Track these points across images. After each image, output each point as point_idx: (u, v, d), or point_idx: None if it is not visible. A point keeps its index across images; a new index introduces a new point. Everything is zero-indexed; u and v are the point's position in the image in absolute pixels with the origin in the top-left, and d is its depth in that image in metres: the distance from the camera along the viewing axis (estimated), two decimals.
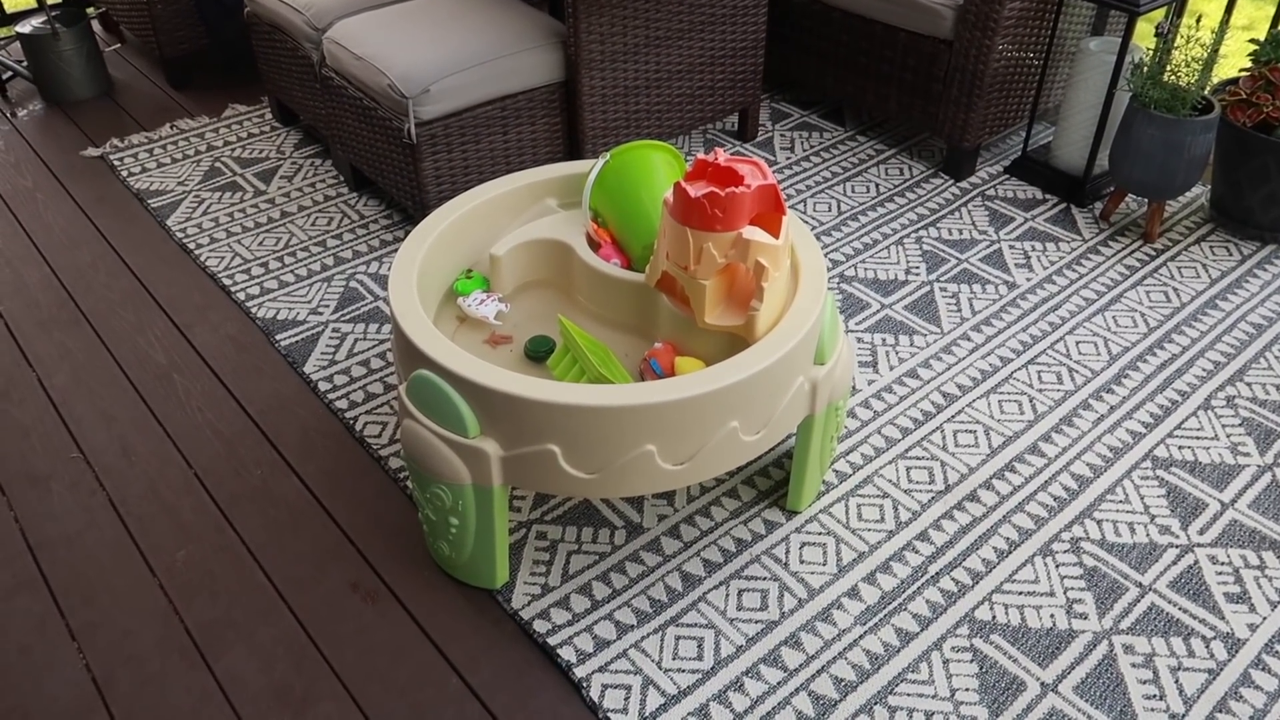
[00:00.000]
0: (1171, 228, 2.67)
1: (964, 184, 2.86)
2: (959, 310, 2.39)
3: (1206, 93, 2.49)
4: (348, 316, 2.41)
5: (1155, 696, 1.59)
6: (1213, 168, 2.64)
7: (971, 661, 1.65)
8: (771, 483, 1.97)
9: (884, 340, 2.31)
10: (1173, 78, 2.42)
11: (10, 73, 3.47)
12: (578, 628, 1.71)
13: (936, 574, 1.79)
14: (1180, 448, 2.02)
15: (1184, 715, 1.57)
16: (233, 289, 2.51)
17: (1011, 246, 2.61)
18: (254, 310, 2.44)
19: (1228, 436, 2.05)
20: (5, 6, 3.66)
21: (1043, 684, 1.61)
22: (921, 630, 1.70)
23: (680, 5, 2.62)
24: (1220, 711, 1.57)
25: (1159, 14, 2.68)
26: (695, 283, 1.61)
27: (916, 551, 1.83)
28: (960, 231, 2.67)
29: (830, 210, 2.76)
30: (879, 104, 2.94)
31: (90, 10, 3.90)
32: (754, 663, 1.65)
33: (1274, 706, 1.58)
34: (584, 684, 1.62)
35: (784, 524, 1.89)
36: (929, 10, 2.68)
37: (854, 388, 2.18)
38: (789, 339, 1.58)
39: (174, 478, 2.02)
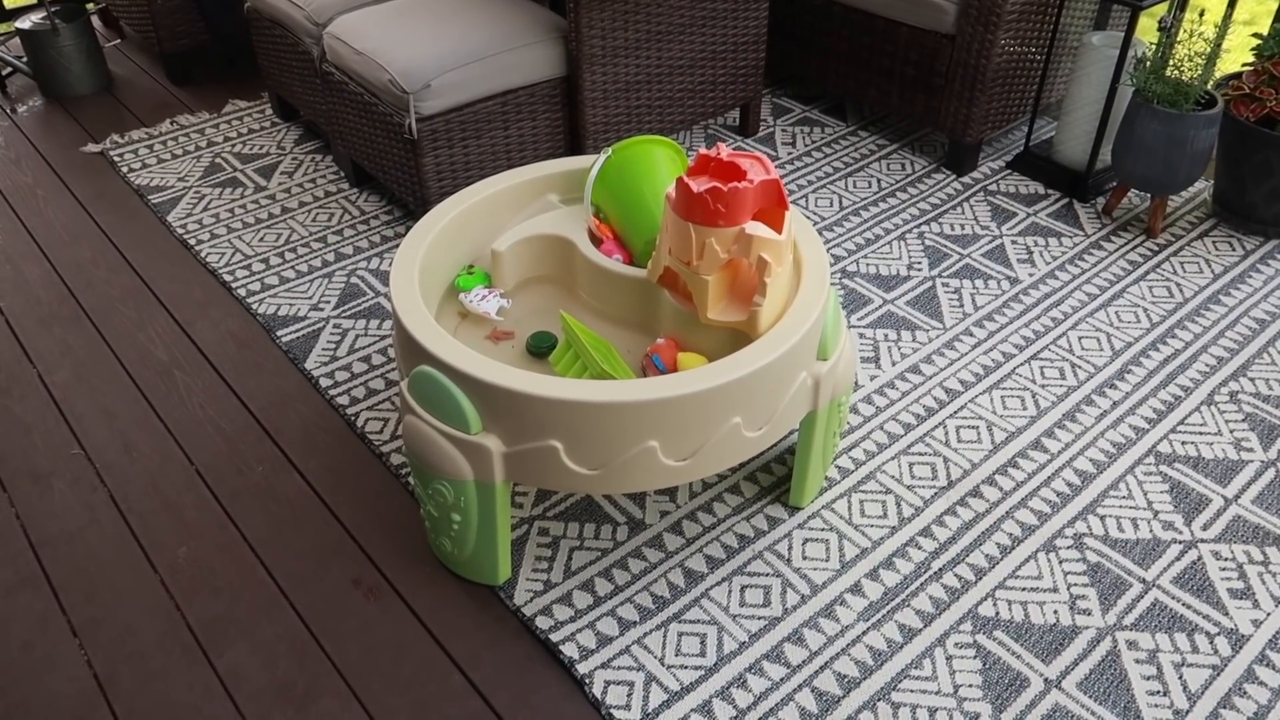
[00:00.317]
0: (1174, 223, 2.66)
1: (966, 179, 2.85)
2: (961, 306, 2.39)
3: (1209, 87, 2.48)
4: (349, 312, 2.41)
5: (1159, 693, 1.59)
6: (1215, 163, 2.63)
7: (975, 657, 1.64)
8: (774, 479, 1.97)
9: (886, 336, 2.31)
10: (1176, 72, 2.41)
11: (10, 68, 3.47)
12: (580, 624, 1.71)
13: (939, 570, 1.79)
14: (1184, 443, 2.02)
15: (1188, 712, 1.57)
16: (233, 285, 2.50)
17: (1014, 242, 2.60)
18: (255, 306, 2.43)
19: (1231, 432, 2.04)
20: (5, 2, 3.65)
21: (1046, 680, 1.61)
22: (925, 626, 1.69)
23: (682, 0, 2.61)
24: (1224, 708, 1.57)
25: (1162, 8, 2.67)
26: (698, 278, 1.61)
27: (919, 547, 1.83)
28: (962, 227, 2.66)
29: (832, 205, 2.75)
30: (881, 99, 2.93)
31: (90, 6, 3.89)
32: (757, 659, 1.65)
33: (1278, 703, 1.58)
34: (586, 681, 1.62)
35: (786, 520, 1.89)
36: (931, 5, 2.67)
37: (856, 383, 2.18)
38: (792, 335, 1.58)
39: (175, 474, 2.02)
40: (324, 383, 2.21)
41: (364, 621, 1.74)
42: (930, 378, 2.19)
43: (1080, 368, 2.20)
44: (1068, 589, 1.75)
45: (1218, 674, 1.61)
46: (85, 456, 2.06)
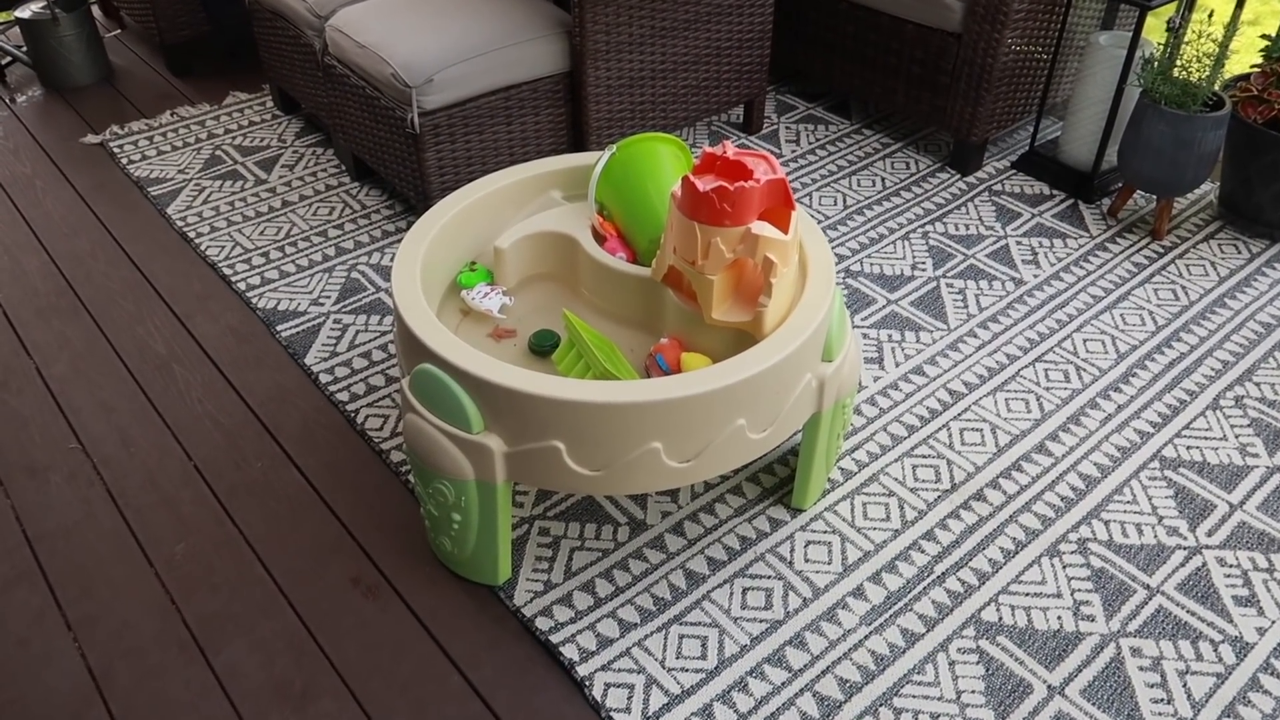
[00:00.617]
0: (1179, 225, 2.64)
1: (971, 179, 2.83)
2: (965, 306, 2.38)
3: (1217, 88, 2.47)
4: (349, 308, 2.39)
5: (1163, 700, 1.58)
6: (1222, 165, 2.62)
7: (978, 663, 1.63)
8: (776, 480, 1.95)
9: (890, 336, 2.29)
10: (1184, 73, 2.40)
11: (9, 58, 3.45)
12: (580, 625, 1.70)
13: (942, 574, 1.77)
14: (1188, 448, 2.01)
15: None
16: (233, 279, 2.48)
17: (1019, 242, 2.59)
18: (254, 301, 2.41)
19: (1236, 437, 2.03)
20: None
21: (1049, 687, 1.60)
22: (927, 631, 1.68)
23: None
24: (1228, 716, 1.56)
25: (1170, 9, 2.66)
26: (702, 278, 1.59)
27: (922, 551, 1.81)
28: (967, 227, 2.64)
29: (836, 204, 2.73)
30: (885, 97, 2.91)
31: None
32: (758, 662, 1.64)
33: None
34: (586, 683, 1.61)
35: (789, 522, 1.87)
36: (938, 3, 2.65)
37: (860, 384, 2.16)
38: (797, 336, 1.56)
39: (173, 469, 2.00)
40: (324, 378, 2.19)
41: (362, 620, 1.72)
42: (934, 379, 2.18)
43: (1085, 371, 2.19)
44: (1071, 594, 1.74)
45: (1222, 682, 1.60)
46: (83, 451, 2.05)
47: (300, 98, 2.95)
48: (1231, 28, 2.42)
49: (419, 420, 1.59)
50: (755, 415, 1.57)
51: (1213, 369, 2.19)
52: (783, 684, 1.61)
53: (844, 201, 2.75)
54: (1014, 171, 2.86)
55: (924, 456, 2.00)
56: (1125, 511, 1.88)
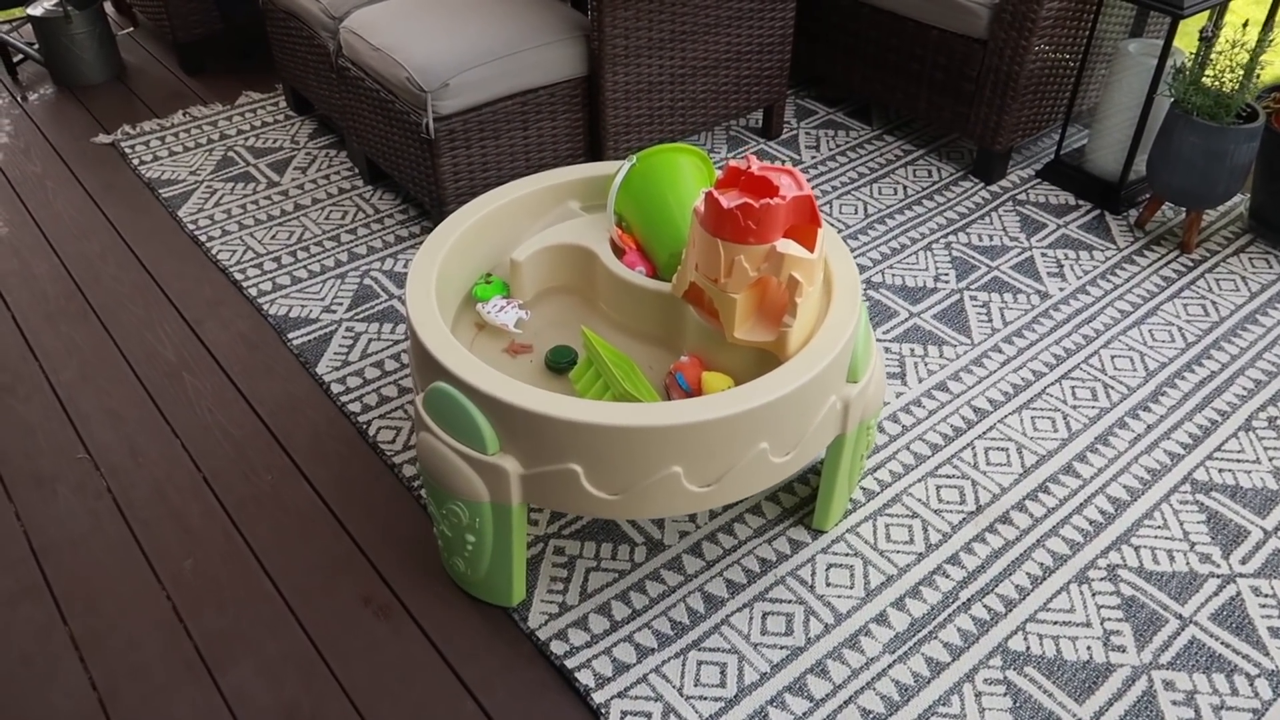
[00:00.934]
0: (1209, 238, 2.59)
1: (994, 187, 2.78)
2: (990, 320, 2.32)
3: (1249, 99, 2.41)
4: (361, 315, 2.35)
5: None
6: (1253, 176, 2.55)
7: (1005, 695, 1.59)
8: (796, 499, 1.91)
9: (912, 351, 2.24)
10: (1216, 83, 2.34)
11: (21, 55, 3.42)
12: (596, 649, 1.65)
13: (968, 601, 1.73)
14: (1220, 471, 1.95)
15: None
16: (244, 284, 2.45)
17: (1044, 254, 2.53)
18: (266, 307, 2.38)
19: (1270, 460, 1.98)
20: None
21: None
22: (953, 660, 1.64)
23: None
24: None
25: (1202, 18, 2.59)
26: (725, 296, 1.55)
27: (947, 576, 1.77)
28: (991, 237, 2.59)
29: (857, 213, 2.68)
30: (908, 103, 2.86)
31: None
32: (779, 691, 1.60)
33: None
34: (603, 710, 1.57)
35: (809, 544, 1.83)
36: (963, 8, 2.60)
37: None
38: (822, 357, 1.52)
39: (182, 481, 1.97)
40: (335, 388, 2.15)
41: (373, 641, 1.68)
42: (958, 396, 2.13)
43: (1113, 389, 2.14)
44: (1101, 624, 1.69)
45: (1258, 719, 1.55)
46: (90, 460, 2.01)
47: (313, 99, 2.91)
48: (1264, 37, 2.36)
49: (433, 440, 1.55)
50: (778, 439, 1.52)
51: (1244, 388, 2.14)
52: (804, 714, 1.56)
53: (864, 210, 2.69)
54: (1038, 181, 2.80)
55: (948, 477, 1.95)
56: (1156, 537, 1.83)
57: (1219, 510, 1.88)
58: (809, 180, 2.81)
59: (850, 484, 1.82)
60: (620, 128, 2.58)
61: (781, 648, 1.66)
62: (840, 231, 2.62)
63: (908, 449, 2.01)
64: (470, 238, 1.81)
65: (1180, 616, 1.70)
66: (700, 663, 1.64)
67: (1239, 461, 1.97)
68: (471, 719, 1.58)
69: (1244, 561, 1.78)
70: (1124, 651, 1.65)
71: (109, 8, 3.85)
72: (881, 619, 1.70)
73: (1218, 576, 1.76)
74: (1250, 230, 2.61)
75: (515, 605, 1.72)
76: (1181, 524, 1.85)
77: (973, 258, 2.52)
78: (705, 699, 1.58)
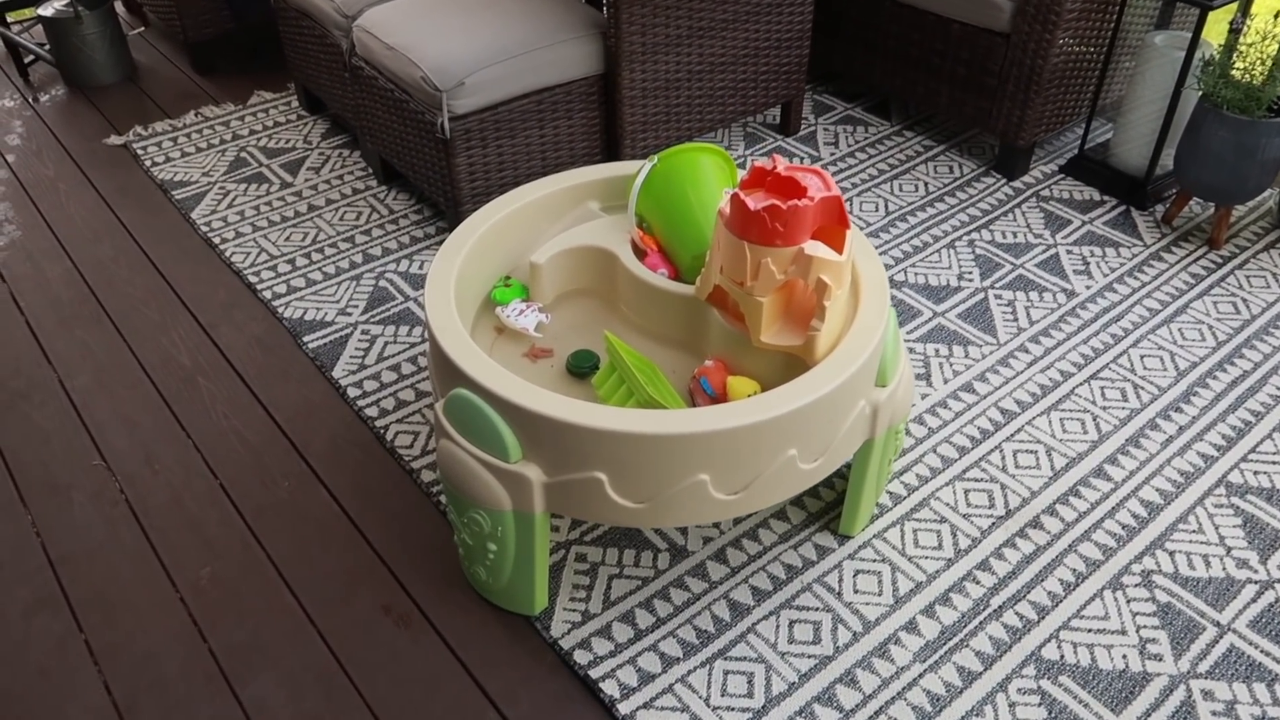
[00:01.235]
0: (1237, 233, 2.54)
1: (1017, 184, 2.73)
2: (1015, 320, 2.28)
3: None
4: (377, 318, 2.32)
5: None
6: None
7: (1040, 705, 1.55)
8: (822, 504, 1.87)
9: (937, 351, 2.20)
10: (1246, 76, 2.29)
11: (32, 56, 3.40)
12: (620, 659, 1.63)
13: (999, 608, 1.69)
14: (1256, 473, 1.91)
15: None
16: (259, 287, 2.42)
17: (1069, 251, 2.49)
18: (280, 310, 2.35)
19: None
20: None
21: None
22: (985, 670, 1.60)
23: None
24: None
25: (1231, 9, 2.54)
26: (751, 300, 1.51)
27: (977, 582, 1.73)
28: (1014, 235, 2.55)
29: (878, 210, 2.64)
30: (928, 98, 2.82)
31: None
32: (807, 701, 1.56)
33: None
34: None
35: (836, 549, 1.79)
36: (986, 2, 2.55)
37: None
38: (851, 362, 1.48)
39: (199, 488, 1.95)
40: (352, 392, 2.13)
41: (394, 652, 1.66)
42: (985, 397, 2.09)
43: (1143, 389, 2.10)
44: (1137, 631, 1.65)
45: None
46: (106, 467, 1.99)
47: (326, 98, 2.88)
48: None
49: (453, 448, 1.52)
50: (807, 445, 1.49)
51: (1278, 387, 2.09)
52: None
53: (885, 207, 2.65)
54: (1062, 176, 2.76)
55: (976, 480, 1.91)
56: (1191, 542, 1.79)
57: (1255, 514, 1.84)
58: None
59: (878, 489, 1.78)
60: (637, 125, 2.55)
61: (809, 656, 1.63)
62: (861, 229, 2.58)
63: (934, 452, 1.97)
64: (489, 240, 1.78)
65: (1218, 624, 1.66)
66: (727, 672, 1.61)
67: (1274, 463, 1.93)
68: None
69: None
70: (1161, 660, 1.61)
71: (120, 8, 3.83)
72: (911, 627, 1.67)
73: (1256, 582, 1.72)
74: None
75: (537, 614, 1.69)
76: (1217, 528, 1.81)
77: (997, 255, 2.48)
78: (733, 710, 1.55)
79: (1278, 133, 2.27)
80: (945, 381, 2.13)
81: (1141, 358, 2.17)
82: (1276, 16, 2.32)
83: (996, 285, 2.38)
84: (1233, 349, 2.19)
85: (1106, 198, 2.67)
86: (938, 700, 1.56)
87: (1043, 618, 1.67)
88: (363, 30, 2.49)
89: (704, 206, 1.73)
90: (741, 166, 2.79)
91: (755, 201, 1.46)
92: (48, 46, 3.35)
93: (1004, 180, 2.74)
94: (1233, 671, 1.59)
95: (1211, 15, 2.42)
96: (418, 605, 1.73)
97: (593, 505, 1.48)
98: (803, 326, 1.56)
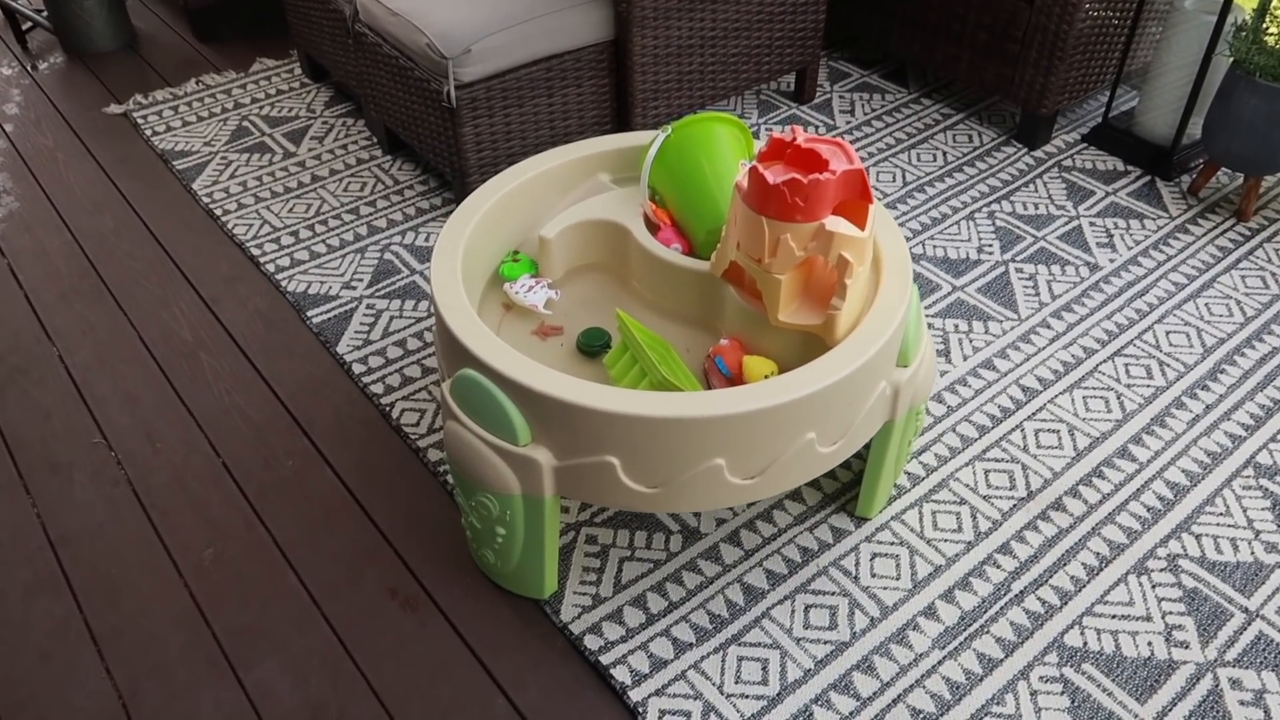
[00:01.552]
0: (1266, 204, 2.47)
1: (1039, 153, 2.66)
2: (1037, 294, 2.22)
3: None
4: (382, 291, 2.27)
5: None
6: None
7: (1062, 694, 1.51)
8: (838, 485, 1.83)
9: (956, 327, 2.15)
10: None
11: (30, 23, 3.33)
12: (632, 645, 1.59)
13: (1020, 593, 1.65)
14: None
15: None
16: (261, 260, 2.37)
17: (1092, 223, 2.42)
18: (284, 283, 2.30)
19: None
20: None
21: None
22: (1006, 656, 1.56)
23: None
24: None
25: None
26: (769, 277, 1.46)
27: (998, 566, 1.69)
28: (1036, 206, 2.48)
29: (895, 181, 2.57)
30: (947, 65, 2.73)
31: None
32: (824, 689, 1.53)
33: None
34: (640, 709, 1.50)
35: (853, 531, 1.75)
36: None
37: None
38: (873, 342, 1.43)
39: (201, 467, 1.91)
40: (357, 369, 2.08)
41: (401, 637, 1.62)
42: (1005, 374, 2.03)
43: (1169, 366, 2.04)
44: (1162, 617, 1.60)
45: None
46: (107, 446, 1.95)
47: (329, 65, 2.82)
48: None
49: (461, 430, 1.47)
50: (826, 428, 1.44)
51: None
52: (851, 713, 1.49)
53: (903, 178, 2.58)
54: (1085, 145, 2.68)
55: (996, 460, 1.87)
56: (1218, 525, 1.74)
57: None
58: None
59: (896, 470, 1.74)
60: (648, 93, 2.48)
61: (825, 642, 1.59)
62: (878, 201, 2.51)
63: (954, 431, 1.92)
64: (496, 214, 1.72)
65: (1246, 610, 1.61)
66: (741, 659, 1.57)
67: None
68: (504, 718, 1.52)
69: None
70: (1187, 648, 1.56)
71: None
72: (930, 612, 1.62)
73: None
74: None
75: (547, 597, 1.65)
76: (1245, 511, 1.76)
77: (1017, 227, 2.41)
78: (747, 697, 1.52)
79: None
80: (965, 358, 2.07)
81: (1167, 334, 2.11)
82: None
83: (1017, 258, 2.32)
84: (1261, 325, 2.13)
85: (1130, 168, 2.60)
86: (957, 688, 1.52)
87: (1065, 603, 1.63)
88: None
89: (719, 179, 1.67)
90: (756, 136, 2.72)
91: (774, 175, 1.40)
92: (45, 13, 3.29)
93: (1025, 150, 2.67)
94: (1261, 659, 1.55)
95: None
96: (424, 588, 1.69)
97: (604, 490, 1.43)
98: (822, 305, 1.50)
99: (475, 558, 1.70)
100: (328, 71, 3.01)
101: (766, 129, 2.77)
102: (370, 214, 2.50)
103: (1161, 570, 1.67)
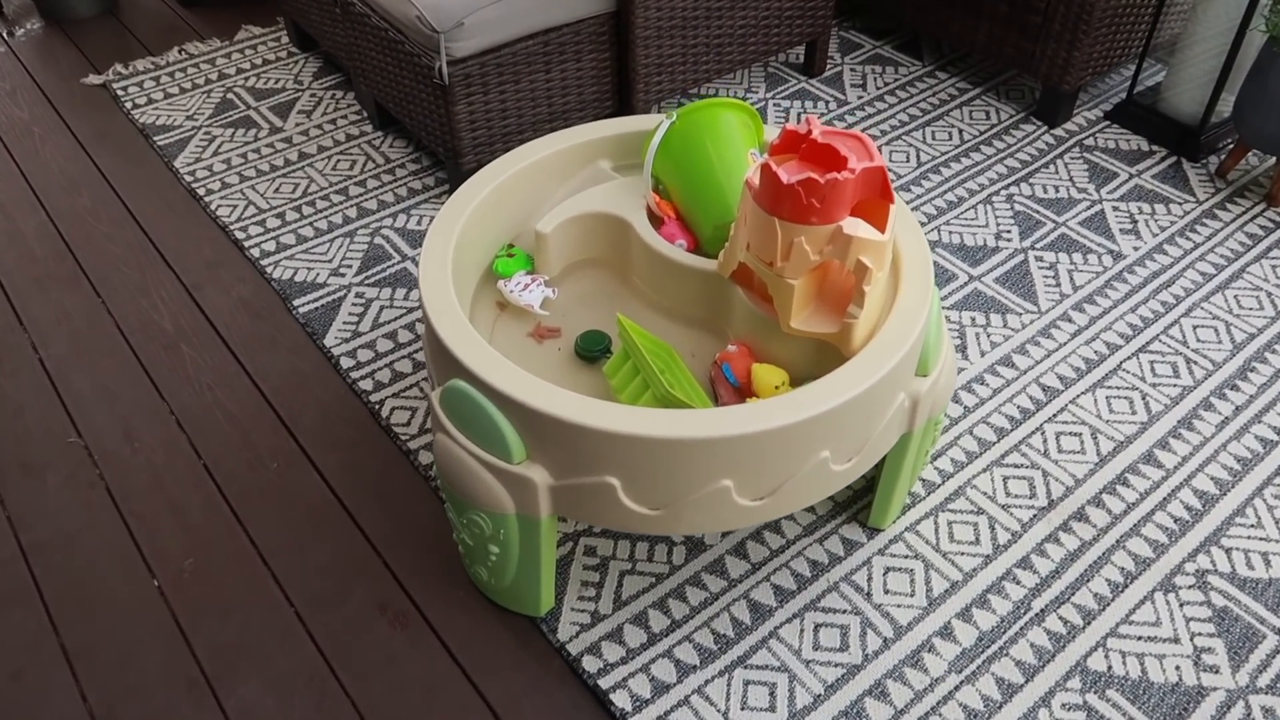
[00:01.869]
0: None
1: (1059, 131, 2.54)
2: (1058, 284, 2.12)
3: None
4: (372, 279, 2.17)
5: None
6: None
7: None
8: (849, 492, 1.74)
9: (973, 320, 2.05)
10: None
11: None
12: (632, 666, 1.51)
13: (1041, 611, 1.56)
14: None
15: None
16: (246, 244, 2.26)
17: (1115, 208, 2.31)
18: (269, 270, 2.20)
19: None
20: None
21: None
22: (1027, 681, 1.48)
23: None
24: None
25: None
26: (781, 281, 1.36)
27: (1018, 582, 1.60)
28: (1056, 189, 2.37)
29: (908, 160, 2.46)
30: (963, 36, 2.60)
31: None
32: (834, 716, 1.45)
33: None
34: None
35: (865, 544, 1.66)
36: None
37: None
38: (893, 353, 1.33)
39: (181, 469, 1.82)
40: (345, 363, 1.99)
41: (390, 655, 1.54)
42: (1025, 372, 1.94)
43: (1196, 364, 1.94)
44: (1191, 639, 1.52)
45: None
46: (83, 445, 1.86)
47: (318, 35, 2.69)
48: None
49: (451, 445, 1.38)
50: (841, 446, 1.35)
51: None
52: None
53: (918, 157, 2.47)
54: (1107, 123, 2.56)
55: (1015, 466, 1.78)
56: (1250, 538, 1.65)
57: None
58: (856, 123, 2.58)
59: (911, 479, 1.65)
60: (651, 68, 2.35)
61: (836, 665, 1.51)
62: (891, 182, 2.40)
63: (970, 434, 1.83)
64: (489, 205, 1.62)
65: (1279, 631, 1.53)
66: (747, 682, 1.49)
67: None
68: None
69: None
70: (1217, 672, 1.49)
71: None
72: (946, 632, 1.54)
73: None
74: None
75: (544, 614, 1.57)
76: (1277, 522, 1.68)
77: (1037, 212, 2.30)
78: None
79: None
80: (982, 354, 1.97)
81: (1194, 328, 2.02)
82: None
83: (1037, 246, 2.21)
84: None
85: (1155, 148, 2.48)
86: (975, 716, 1.44)
87: (1089, 623, 1.55)
88: None
89: (728, 170, 1.56)
90: (762, 112, 2.60)
91: (788, 173, 1.30)
92: None
93: (1044, 127, 2.55)
94: None
95: None
96: (415, 603, 1.61)
97: (603, 511, 1.34)
98: (838, 311, 1.40)
99: (468, 573, 1.62)
100: (316, 41, 2.87)
101: (774, 104, 2.64)
102: (360, 195, 2.39)
103: (1190, 587, 1.59)
